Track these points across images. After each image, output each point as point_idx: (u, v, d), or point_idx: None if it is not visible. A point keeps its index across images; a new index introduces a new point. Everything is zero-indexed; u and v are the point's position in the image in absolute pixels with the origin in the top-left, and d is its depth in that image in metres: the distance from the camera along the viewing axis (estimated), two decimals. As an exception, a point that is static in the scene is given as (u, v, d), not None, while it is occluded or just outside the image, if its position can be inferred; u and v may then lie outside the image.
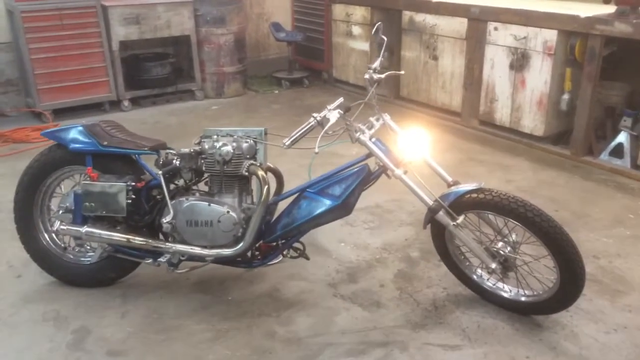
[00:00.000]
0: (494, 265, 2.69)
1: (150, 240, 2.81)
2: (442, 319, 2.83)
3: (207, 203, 2.75)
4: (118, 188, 2.77)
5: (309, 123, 2.60)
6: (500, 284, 2.87)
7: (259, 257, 2.94)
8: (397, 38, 6.08)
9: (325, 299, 3.00)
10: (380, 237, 3.61)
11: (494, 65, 5.20)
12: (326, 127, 2.59)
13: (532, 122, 5.01)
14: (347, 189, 2.78)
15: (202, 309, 2.91)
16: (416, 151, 2.77)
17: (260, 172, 2.73)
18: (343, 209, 2.80)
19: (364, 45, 6.48)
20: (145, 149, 2.85)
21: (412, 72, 6.05)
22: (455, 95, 5.67)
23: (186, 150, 2.83)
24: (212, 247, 2.79)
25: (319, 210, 2.79)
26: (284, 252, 2.95)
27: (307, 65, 7.55)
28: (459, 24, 5.41)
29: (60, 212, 2.91)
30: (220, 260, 2.85)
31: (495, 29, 5.09)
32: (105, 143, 2.83)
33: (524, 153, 4.97)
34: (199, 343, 2.66)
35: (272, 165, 3.05)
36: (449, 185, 2.82)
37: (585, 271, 2.58)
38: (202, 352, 2.60)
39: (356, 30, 6.53)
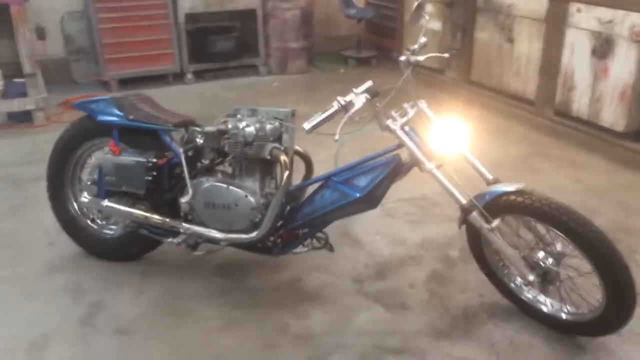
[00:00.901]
0: (531, 278, 2.39)
1: (167, 220, 2.73)
2: (471, 330, 2.57)
3: (226, 185, 2.63)
4: (138, 164, 2.70)
5: (333, 107, 2.39)
6: (541, 297, 2.56)
7: (280, 245, 2.79)
8: (471, 18, 5.68)
9: (347, 295, 2.81)
10: (421, 232, 3.36)
11: (574, 50, 4.71)
12: (350, 113, 2.37)
13: (613, 115, 4.50)
14: (373, 180, 2.56)
15: (219, 294, 2.80)
16: (452, 144, 2.51)
17: (282, 157, 2.56)
18: (367, 201, 2.60)
19: (436, 25, 6.11)
20: (170, 125, 2.75)
21: (485, 55, 5.64)
22: (530, 82, 5.22)
23: (210, 128, 2.70)
24: (229, 231, 2.67)
25: (341, 202, 2.59)
26: (306, 242, 2.79)
27: (377, 44, 7.26)
28: (538, 4, 4.94)
29: (88, 183, 2.88)
30: (237, 245, 2.73)
31: (578, 10, 4.60)
32: (131, 117, 2.76)
33: (601, 150, 4.49)
34: (207, 331, 2.56)
35: (300, 150, 2.88)
36: (488, 184, 2.54)
37: (636, 293, 2.23)
38: (207, 341, 2.50)
39: (428, 7, 6.15)
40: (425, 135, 2.56)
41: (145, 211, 2.76)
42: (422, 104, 2.62)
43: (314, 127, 2.40)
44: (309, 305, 2.74)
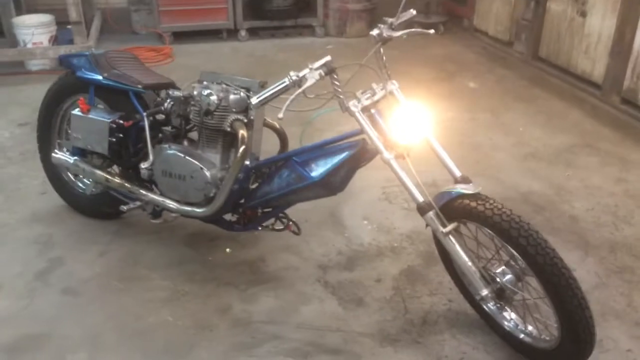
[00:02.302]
0: (484, 293, 2.09)
1: (127, 184, 2.68)
2: (423, 339, 2.33)
3: (183, 155, 2.51)
4: (101, 124, 2.65)
5: (284, 82, 2.19)
6: (506, 312, 2.26)
7: (242, 223, 2.66)
8: (545, -14, 5.10)
9: (306, 283, 2.64)
10: (413, 222, 3.08)
11: (649, 30, 4.09)
12: (300, 89, 2.15)
13: (684, 109, 3.89)
14: (330, 165, 2.34)
15: (177, 264, 2.74)
16: (415, 132, 2.22)
17: (242, 131, 2.40)
18: (324, 187, 2.39)
19: (508, -8, 5.57)
20: (140, 86, 2.66)
21: (556, 29, 5.05)
22: (599, 63, 4.61)
23: (177, 93, 2.59)
24: (185, 203, 2.57)
25: (297, 185, 2.40)
26: (267, 223, 2.64)
27: (448, 9, 6.75)
28: (615, -26, 4.32)
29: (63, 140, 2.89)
30: (192, 217, 2.63)
31: (659, -17, 3.96)
32: (105, 75, 2.70)
33: (663, 149, 3.92)
34: (149, 302, 2.51)
35: (275, 124, 2.70)
36: (455, 182, 2.24)
37: (595, 337, 1.90)
38: (144, 312, 2.45)
39: (501, -27, 5.61)
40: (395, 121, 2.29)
41: (110, 173, 2.72)
42: (393, 85, 2.34)
43: (262, 101, 2.23)
44: (261, 288, 2.60)
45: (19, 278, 2.63)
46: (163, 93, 2.71)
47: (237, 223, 2.66)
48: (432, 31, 2.46)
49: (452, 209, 2.10)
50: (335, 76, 2.26)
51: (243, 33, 6.16)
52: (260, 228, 2.65)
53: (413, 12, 2.42)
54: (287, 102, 2.12)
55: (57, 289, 2.57)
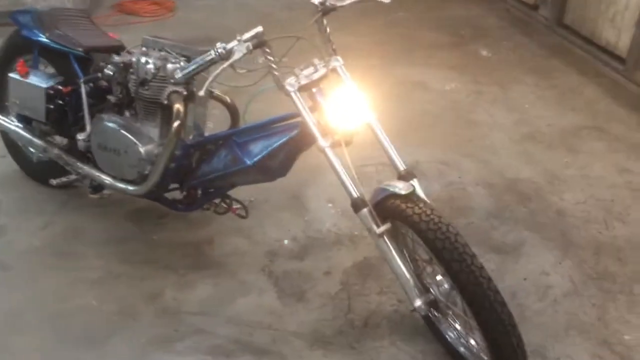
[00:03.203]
0: (417, 303, 1.86)
1: (64, 155, 2.52)
2: (359, 344, 2.13)
3: (118, 128, 2.32)
4: (37, 90, 2.47)
5: (209, 54, 1.96)
6: (449, 319, 2.03)
7: (184, 202, 2.47)
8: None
9: (250, 271, 2.46)
10: (382, 207, 2.85)
11: (681, -1, 3.63)
12: (226, 64, 1.92)
13: None
14: (265, 149, 2.12)
15: (117, 242, 2.59)
16: (353, 118, 1.97)
17: (177, 105, 2.18)
18: (260, 172, 2.18)
19: (534, -50, 5.07)
20: (80, 49, 2.46)
21: (583, -7, 4.59)
22: (625, 33, 4.16)
23: (118, 59, 2.38)
24: (120, 180, 2.40)
25: (233, 168, 2.21)
26: (209, 204, 2.45)
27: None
28: None
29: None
30: (128, 194, 2.45)
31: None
32: (47, 35, 2.51)
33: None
34: (79, 282, 2.38)
35: (225, 98, 2.48)
36: (398, 177, 1.99)
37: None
38: (71, 293, 2.32)
39: None
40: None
41: (49, 142, 2.56)
42: (337, 62, 2.07)
43: (186, 75, 2.02)
44: (201, 274, 2.44)
45: (-46, 248, 2.54)
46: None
47: (181, 203, 2.49)
48: (387, 0, 2.15)
49: (385, 208, 1.87)
50: (267, 50, 2.00)
51: (251, -14, 5.84)
52: (204, 209, 2.47)
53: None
54: (210, 78, 1.91)
55: (-10, 261, 2.47)
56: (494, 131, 3.54)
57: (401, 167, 2.00)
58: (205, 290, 2.36)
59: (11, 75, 2.56)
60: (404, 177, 1.97)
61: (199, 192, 2.41)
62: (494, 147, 3.38)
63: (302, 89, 2.00)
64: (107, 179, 2.42)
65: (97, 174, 2.44)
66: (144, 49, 2.30)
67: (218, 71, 1.92)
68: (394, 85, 4.02)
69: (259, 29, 2.01)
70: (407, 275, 1.88)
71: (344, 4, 2.07)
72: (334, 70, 2.05)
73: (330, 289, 2.37)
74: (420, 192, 1.93)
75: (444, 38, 4.95)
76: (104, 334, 2.15)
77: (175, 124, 2.16)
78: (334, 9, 2.05)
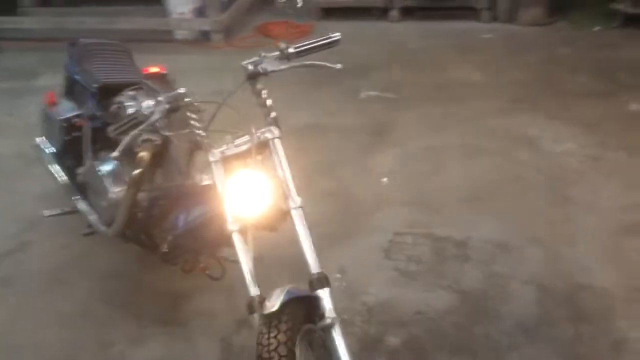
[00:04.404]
0: None
1: (69, 185, 2.56)
2: None
3: (97, 169, 2.30)
4: (54, 121, 2.56)
5: (134, 116, 1.82)
6: None
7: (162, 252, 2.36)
8: None
9: (208, 338, 2.26)
10: (396, 291, 2.42)
11: None
12: (143, 125, 1.76)
13: None
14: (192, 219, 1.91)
15: (111, 278, 2.59)
16: (260, 204, 1.66)
17: (142, 153, 2.06)
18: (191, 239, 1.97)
19: None
20: (94, 85, 2.49)
21: None
22: None
23: (114, 99, 2.34)
24: (100, 220, 2.38)
25: (175, 231, 2.04)
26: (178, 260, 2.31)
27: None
28: None
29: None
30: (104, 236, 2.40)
31: None
32: (73, 68, 2.61)
33: None
34: (50, 312, 2.41)
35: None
36: (309, 283, 1.62)
37: None
38: (38, 325, 2.37)
39: None
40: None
41: (63, 170, 2.65)
42: (271, 134, 1.77)
43: (116, 133, 1.90)
44: (159, 330, 2.30)
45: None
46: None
47: (159, 252, 2.37)
48: (338, 66, 1.79)
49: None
50: (191, 112, 1.79)
51: (395, 13, 5.55)
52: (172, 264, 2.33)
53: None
54: (125, 140, 1.77)
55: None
56: (588, 215, 2.80)
57: (314, 270, 1.63)
58: (153, 349, 2.23)
59: (41, 105, 2.71)
60: (313, 283, 1.60)
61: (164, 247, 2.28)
62: (577, 237, 2.66)
63: (226, 160, 1.75)
64: (93, 218, 2.41)
65: (85, 210, 2.45)
66: (130, 93, 2.23)
67: (135, 132, 1.78)
68: (496, 138, 3.46)
69: (181, 90, 1.80)
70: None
71: (282, 68, 1.76)
72: (262, 144, 1.75)
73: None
74: (327, 304, 1.56)
75: (594, 85, 4.11)
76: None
77: (135, 172, 2.05)
78: (265, 74, 1.76)
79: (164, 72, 2.65)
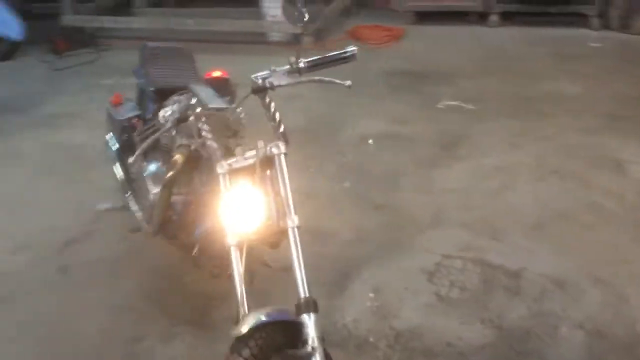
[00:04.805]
0: None
1: (124, 182, 2.66)
2: None
3: (142, 169, 2.38)
4: (116, 121, 2.68)
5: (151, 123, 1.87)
6: None
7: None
8: None
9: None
10: (430, 318, 2.28)
11: None
12: (155, 136, 1.81)
13: None
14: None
15: (156, 274, 2.66)
16: (256, 221, 1.61)
17: (177, 156, 2.11)
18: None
19: None
20: (151, 87, 2.58)
21: None
22: None
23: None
24: (144, 218, 2.46)
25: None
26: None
27: None
28: None
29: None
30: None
31: None
32: (139, 70, 2.71)
33: None
34: (99, 304, 2.53)
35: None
36: (297, 307, 1.56)
37: None
38: (82, 313, 2.48)
39: None
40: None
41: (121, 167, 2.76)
42: (277, 149, 1.71)
43: (140, 152, 1.95)
44: (186, 329, 2.34)
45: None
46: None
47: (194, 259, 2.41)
48: (348, 83, 1.69)
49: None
50: (201, 124, 1.79)
51: (494, 18, 5.28)
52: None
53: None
54: (140, 149, 1.81)
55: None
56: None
57: (302, 293, 1.56)
58: (178, 348, 2.26)
59: (108, 103, 2.85)
60: (299, 307, 1.53)
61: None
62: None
63: (233, 173, 1.73)
64: (138, 214, 2.50)
65: (135, 208, 2.55)
66: (175, 97, 2.28)
67: (149, 140, 1.82)
68: (577, 159, 3.17)
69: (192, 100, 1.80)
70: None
71: (285, 83, 1.70)
72: (267, 159, 1.71)
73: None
74: (311, 331, 1.49)
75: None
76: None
77: (168, 175, 2.10)
78: (270, 88, 1.71)
79: (226, 76, 2.72)
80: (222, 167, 1.74)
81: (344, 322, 2.30)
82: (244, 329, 1.45)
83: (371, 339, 2.21)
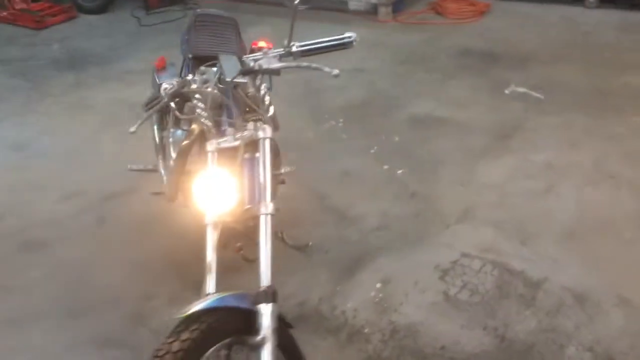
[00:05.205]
0: None
1: (157, 145, 2.75)
2: None
3: (163, 136, 2.45)
4: (156, 85, 2.75)
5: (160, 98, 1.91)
6: None
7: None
8: None
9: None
10: (430, 315, 2.21)
11: None
12: (151, 112, 1.88)
13: None
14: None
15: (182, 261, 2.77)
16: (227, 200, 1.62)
17: (194, 126, 2.15)
18: None
19: None
20: (190, 54, 2.62)
21: None
22: None
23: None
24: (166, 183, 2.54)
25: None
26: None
27: None
28: None
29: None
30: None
31: None
32: (185, 38, 2.77)
33: None
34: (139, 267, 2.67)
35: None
36: (255, 295, 1.56)
37: None
38: (119, 273, 2.64)
39: None
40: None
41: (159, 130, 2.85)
42: (262, 132, 1.69)
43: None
44: (196, 297, 2.41)
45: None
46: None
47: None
48: (335, 71, 1.62)
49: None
50: (195, 101, 1.80)
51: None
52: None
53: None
54: (139, 122, 1.86)
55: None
56: None
57: (264, 282, 1.56)
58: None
59: (153, 67, 2.93)
60: (257, 295, 1.53)
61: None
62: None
63: (221, 152, 1.74)
64: (164, 177, 2.59)
65: (161, 169, 2.64)
66: (203, 68, 2.30)
67: (149, 112, 1.86)
68: None
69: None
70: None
71: (273, 67, 1.66)
72: (251, 142, 1.69)
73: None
74: (265, 320, 1.49)
75: None
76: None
77: (183, 142, 2.15)
78: (258, 71, 1.69)
79: (270, 47, 2.72)
80: (211, 145, 1.75)
81: (344, 308, 2.28)
82: (189, 311, 1.47)
83: (366, 330, 2.18)
